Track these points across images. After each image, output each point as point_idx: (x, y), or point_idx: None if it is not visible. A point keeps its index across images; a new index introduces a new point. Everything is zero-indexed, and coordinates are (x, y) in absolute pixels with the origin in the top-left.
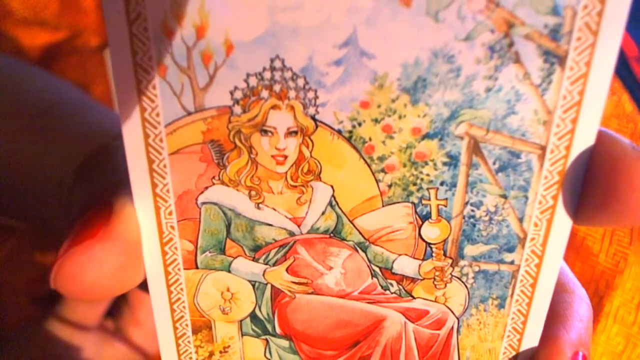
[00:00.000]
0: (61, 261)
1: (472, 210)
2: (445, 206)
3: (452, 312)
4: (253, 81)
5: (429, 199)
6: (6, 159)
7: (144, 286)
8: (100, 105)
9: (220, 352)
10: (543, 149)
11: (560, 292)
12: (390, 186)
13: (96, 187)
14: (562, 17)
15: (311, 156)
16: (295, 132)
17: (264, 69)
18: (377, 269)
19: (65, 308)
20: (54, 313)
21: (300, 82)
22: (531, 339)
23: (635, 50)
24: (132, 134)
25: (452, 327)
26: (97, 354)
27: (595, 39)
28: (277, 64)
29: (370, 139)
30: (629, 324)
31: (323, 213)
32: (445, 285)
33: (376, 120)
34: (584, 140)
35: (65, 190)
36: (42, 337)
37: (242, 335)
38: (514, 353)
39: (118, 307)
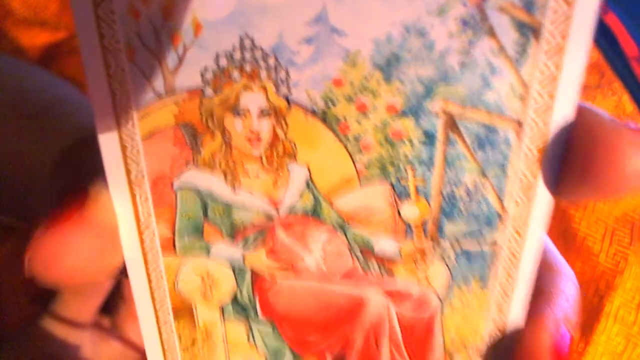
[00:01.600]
0: (35, 245)
1: (451, 189)
2: (424, 185)
3: (435, 293)
4: (223, 62)
5: (407, 179)
6: (6, 158)
7: None
8: None
9: (203, 338)
10: (521, 124)
11: (546, 272)
12: (367, 166)
13: (75, 177)
14: None
15: (286, 137)
16: (269, 113)
17: (234, 49)
18: (357, 251)
19: (58, 305)
20: (48, 311)
21: (271, 61)
22: (516, 319)
23: (635, 50)
24: (103, 120)
25: (436, 309)
26: (94, 352)
27: (571, 9)
28: (247, 43)
29: (344, 118)
30: (629, 324)
31: (301, 195)
32: (427, 266)
33: (350, 99)
34: (563, 114)
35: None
36: (40, 336)
37: (225, 321)
38: (499, 333)
39: (114, 304)
